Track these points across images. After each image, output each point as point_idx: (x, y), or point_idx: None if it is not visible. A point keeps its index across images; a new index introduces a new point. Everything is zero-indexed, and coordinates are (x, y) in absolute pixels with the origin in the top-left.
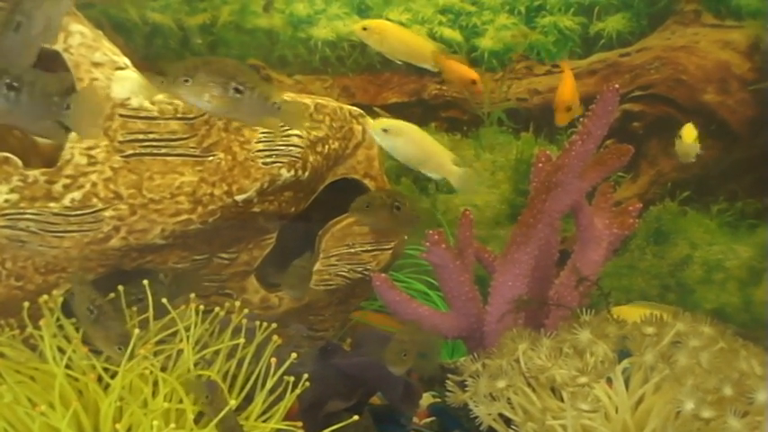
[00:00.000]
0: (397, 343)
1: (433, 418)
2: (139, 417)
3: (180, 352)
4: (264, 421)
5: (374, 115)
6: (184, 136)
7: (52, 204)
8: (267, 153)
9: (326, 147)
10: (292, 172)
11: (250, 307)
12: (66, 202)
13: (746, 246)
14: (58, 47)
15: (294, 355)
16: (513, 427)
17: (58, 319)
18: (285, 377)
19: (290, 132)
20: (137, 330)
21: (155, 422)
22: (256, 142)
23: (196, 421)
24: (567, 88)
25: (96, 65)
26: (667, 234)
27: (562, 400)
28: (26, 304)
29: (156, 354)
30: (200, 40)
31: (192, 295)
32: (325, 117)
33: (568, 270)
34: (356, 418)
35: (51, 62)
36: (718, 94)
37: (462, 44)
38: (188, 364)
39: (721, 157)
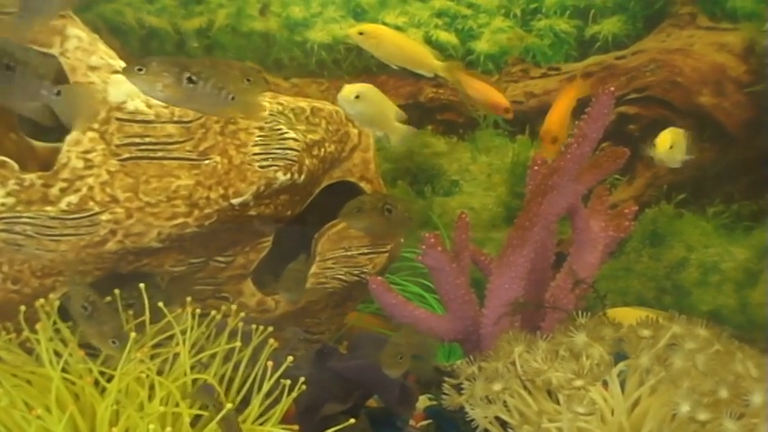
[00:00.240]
0: (393, 346)
1: (429, 421)
2: (136, 420)
3: (176, 355)
4: (261, 424)
5: None
6: (181, 139)
7: (49, 208)
8: (263, 156)
9: (323, 150)
10: (288, 175)
11: (246, 310)
12: (63, 205)
13: (742, 248)
14: (55, 51)
15: (290, 358)
16: (509, 429)
17: (54, 323)
18: (281, 380)
19: (286, 136)
20: (133, 334)
21: (151, 426)
22: (252, 146)
23: (193, 425)
24: (554, 117)
25: (93, 68)
26: (663, 236)
27: (558, 403)
28: (23, 308)
29: (152, 357)
30: (196, 43)
31: (189, 298)
32: (322, 120)
33: (564, 273)
34: (353, 421)
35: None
36: (713, 97)
37: (458, 47)
38: (184, 367)
39: (717, 160)
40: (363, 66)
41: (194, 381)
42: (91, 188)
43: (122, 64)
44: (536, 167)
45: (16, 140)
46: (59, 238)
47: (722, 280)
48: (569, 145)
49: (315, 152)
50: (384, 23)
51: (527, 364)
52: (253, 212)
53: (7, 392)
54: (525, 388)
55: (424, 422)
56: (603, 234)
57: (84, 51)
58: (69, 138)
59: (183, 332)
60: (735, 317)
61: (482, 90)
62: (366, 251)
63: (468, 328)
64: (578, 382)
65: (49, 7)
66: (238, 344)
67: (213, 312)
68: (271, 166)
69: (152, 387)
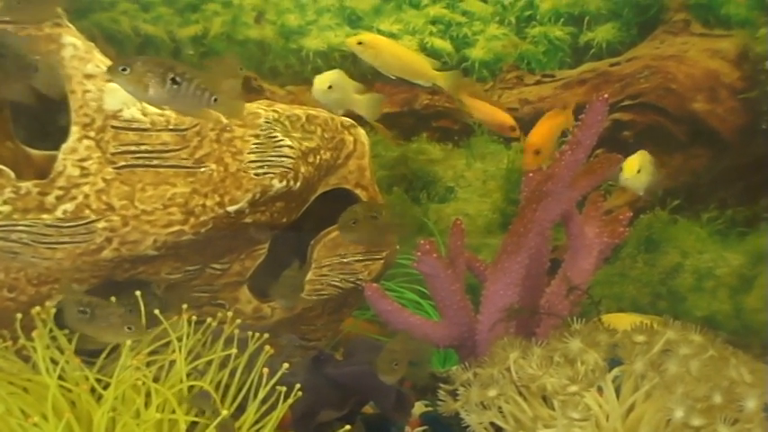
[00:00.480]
0: (388, 352)
1: (425, 427)
2: (132, 428)
3: (172, 362)
4: (257, 431)
5: (366, 126)
6: (176, 147)
7: (45, 216)
8: (259, 164)
9: (318, 157)
10: (284, 182)
11: (242, 317)
12: (59, 213)
13: (737, 253)
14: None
15: (286, 364)
16: None
17: (50, 331)
18: (277, 387)
19: (281, 143)
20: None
21: None
22: (248, 153)
23: None
24: (541, 130)
25: (88, 77)
26: (658, 242)
27: (553, 409)
28: (19, 315)
29: (148, 364)
30: (191, 51)
31: (185, 306)
32: (317, 127)
33: (559, 279)
34: (348, 427)
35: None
36: (707, 103)
37: (453, 54)
38: (180, 374)
39: (711, 166)
40: (358, 73)
41: (190, 388)
42: (87, 196)
43: None
44: (531, 174)
45: (12, 148)
46: (55, 246)
47: (717, 285)
48: (564, 151)
49: (310, 159)
50: (379, 31)
51: (522, 369)
52: (248, 220)
53: (4, 400)
54: (520, 394)
55: (420, 428)
56: (598, 240)
57: (81, 60)
58: (65, 146)
59: (180, 339)
60: (729, 322)
61: (488, 111)
62: (362, 258)
63: (463, 334)
64: (573, 388)
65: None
66: (234, 351)
67: (209, 319)
68: (266, 173)
69: (148, 394)
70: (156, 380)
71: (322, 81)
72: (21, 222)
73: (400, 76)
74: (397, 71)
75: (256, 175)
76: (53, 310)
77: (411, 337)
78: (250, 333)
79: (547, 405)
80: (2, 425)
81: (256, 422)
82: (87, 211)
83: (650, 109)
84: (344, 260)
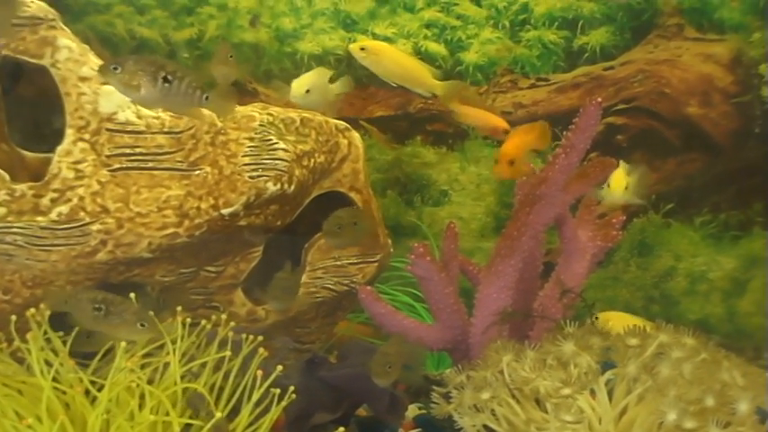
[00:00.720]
0: (382, 355)
1: (418, 430)
2: (126, 429)
3: (167, 365)
4: None
5: (360, 129)
6: (171, 150)
7: (39, 218)
8: (253, 167)
9: (312, 160)
10: (278, 186)
11: (237, 320)
12: (54, 215)
13: (730, 257)
14: (46, 62)
15: (280, 367)
16: None
17: (45, 333)
18: (271, 389)
19: (276, 146)
20: (123, 343)
21: None
22: (243, 156)
23: None
24: (515, 141)
25: (83, 79)
26: (651, 246)
27: (546, 412)
28: (13, 317)
29: (142, 366)
30: (186, 54)
31: (179, 308)
32: (311, 131)
33: (552, 282)
34: (342, 430)
35: (39, 76)
36: (700, 107)
37: (447, 58)
38: (174, 376)
39: (704, 170)
40: (353, 76)
41: (184, 390)
42: (82, 198)
43: None
44: (524, 178)
45: (7, 151)
46: (50, 249)
47: (710, 289)
48: (557, 155)
49: (305, 162)
50: (374, 34)
51: (515, 372)
52: (243, 223)
53: None
54: (513, 396)
55: (414, 431)
56: (591, 243)
57: (75, 62)
58: (60, 148)
59: (174, 341)
60: (722, 326)
61: (480, 117)
62: (356, 261)
63: (456, 337)
64: (566, 391)
65: None
66: (228, 353)
67: (203, 322)
68: (261, 176)
69: (142, 396)
70: (150, 382)
71: (300, 85)
72: (15, 225)
73: (401, 84)
74: (398, 79)
75: (251, 178)
76: (48, 313)
77: (405, 339)
78: (244, 335)
79: (540, 408)
80: None
81: (250, 424)
82: (82, 214)
83: (644, 113)
84: (338, 263)
